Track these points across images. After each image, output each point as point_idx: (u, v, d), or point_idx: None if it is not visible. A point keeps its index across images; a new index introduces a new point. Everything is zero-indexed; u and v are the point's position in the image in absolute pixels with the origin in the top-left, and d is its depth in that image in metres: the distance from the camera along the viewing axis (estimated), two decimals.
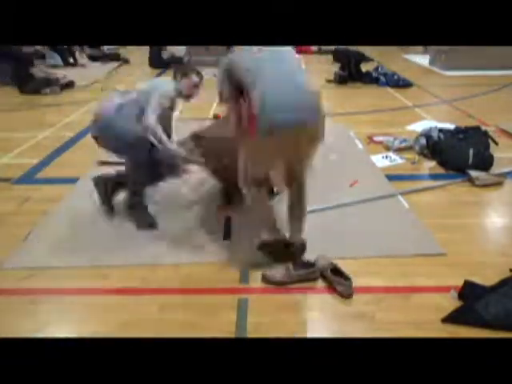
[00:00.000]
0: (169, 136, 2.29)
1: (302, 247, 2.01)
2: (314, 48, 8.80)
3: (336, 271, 1.87)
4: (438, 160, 3.15)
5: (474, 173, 2.81)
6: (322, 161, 3.18)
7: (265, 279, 1.90)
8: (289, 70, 1.77)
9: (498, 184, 2.78)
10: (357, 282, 1.90)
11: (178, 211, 2.52)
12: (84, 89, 5.85)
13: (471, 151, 2.95)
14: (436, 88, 5.56)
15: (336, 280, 1.83)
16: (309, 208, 2.50)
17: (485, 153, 3.00)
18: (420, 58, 7.67)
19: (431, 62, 7.07)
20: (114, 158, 2.91)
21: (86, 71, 6.98)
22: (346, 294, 1.80)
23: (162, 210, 2.49)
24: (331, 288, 1.84)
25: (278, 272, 1.89)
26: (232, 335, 1.63)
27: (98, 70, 7.14)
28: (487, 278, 1.85)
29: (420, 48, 8.05)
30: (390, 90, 5.53)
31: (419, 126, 3.84)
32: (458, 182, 2.82)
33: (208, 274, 1.98)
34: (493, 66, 6.39)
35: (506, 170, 2.93)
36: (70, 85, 5.90)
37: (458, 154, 3.00)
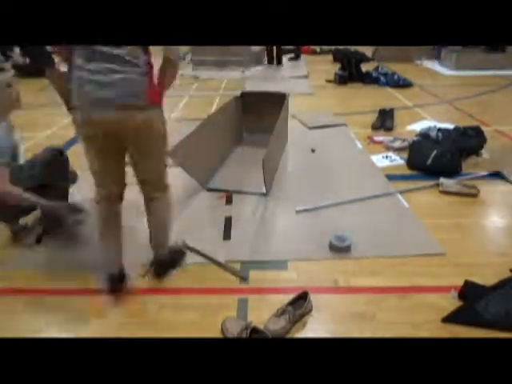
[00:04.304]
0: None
1: (182, 254, 2.09)
2: (316, 48, 8.80)
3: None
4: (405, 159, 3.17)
5: (443, 179, 2.76)
6: (319, 160, 3.20)
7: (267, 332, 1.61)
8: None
9: (471, 196, 2.63)
10: (357, 282, 1.90)
11: (178, 211, 2.52)
12: None
13: (434, 153, 2.93)
14: (436, 88, 5.56)
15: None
16: (309, 207, 2.51)
17: (450, 158, 2.92)
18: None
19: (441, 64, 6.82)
20: None
21: None
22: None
23: None
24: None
25: (279, 321, 1.65)
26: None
27: None
28: (487, 278, 1.85)
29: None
30: (390, 90, 5.53)
31: (419, 126, 3.84)
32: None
33: (208, 274, 1.98)
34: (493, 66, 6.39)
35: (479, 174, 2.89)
36: None
37: (420, 154, 3.02)
